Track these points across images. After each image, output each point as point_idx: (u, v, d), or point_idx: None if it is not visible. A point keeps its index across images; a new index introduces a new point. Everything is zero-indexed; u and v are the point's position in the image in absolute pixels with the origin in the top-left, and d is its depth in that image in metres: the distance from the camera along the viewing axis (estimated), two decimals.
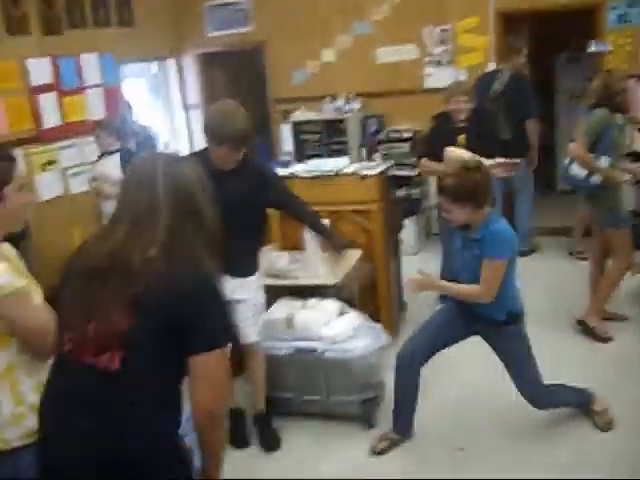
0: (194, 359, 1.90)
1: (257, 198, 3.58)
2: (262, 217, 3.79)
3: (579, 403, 3.77)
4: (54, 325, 2.10)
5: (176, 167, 2.01)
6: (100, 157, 5.76)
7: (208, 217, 2.00)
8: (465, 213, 3.26)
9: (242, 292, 3.59)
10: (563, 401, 3.74)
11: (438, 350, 3.60)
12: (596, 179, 4.47)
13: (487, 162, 3.77)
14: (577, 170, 4.53)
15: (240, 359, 3.76)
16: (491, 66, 6.76)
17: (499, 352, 3.53)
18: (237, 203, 3.27)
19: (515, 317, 3.43)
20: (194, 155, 3.74)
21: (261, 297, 3.82)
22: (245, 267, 3.65)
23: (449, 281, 3.59)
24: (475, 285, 3.30)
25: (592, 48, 6.55)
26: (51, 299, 2.34)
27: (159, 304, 1.86)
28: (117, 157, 5.50)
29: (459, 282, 3.45)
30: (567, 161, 4.67)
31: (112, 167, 5.42)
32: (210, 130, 3.44)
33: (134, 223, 1.93)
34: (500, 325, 3.42)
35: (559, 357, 4.48)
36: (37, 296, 2.21)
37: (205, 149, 3.57)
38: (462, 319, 3.49)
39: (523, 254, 6.44)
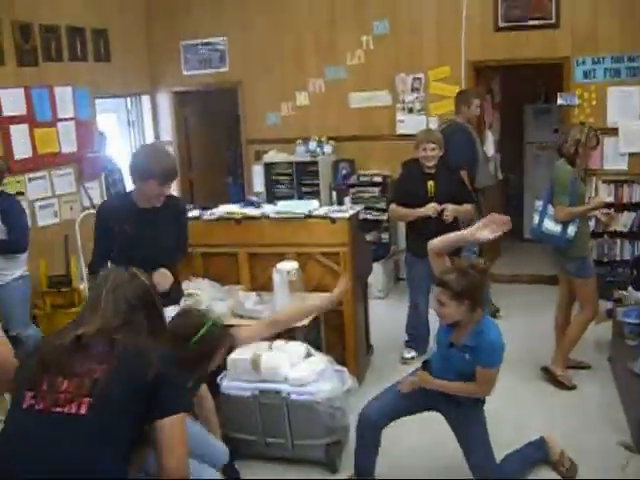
0: (159, 423, 2.10)
1: (174, 234, 3.78)
2: (179, 250, 3.91)
3: (536, 461, 3.77)
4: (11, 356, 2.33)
5: (131, 285, 2.38)
6: None
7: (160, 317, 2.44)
8: (461, 311, 3.24)
9: None
10: (520, 470, 3.69)
11: (400, 416, 3.59)
12: (571, 231, 4.48)
13: (476, 226, 3.32)
14: (552, 226, 4.55)
15: None
16: None
17: (458, 432, 3.52)
18: (156, 239, 3.62)
19: (480, 401, 3.49)
20: (123, 195, 4.25)
21: None
22: None
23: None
24: (471, 384, 3.32)
25: (560, 101, 6.74)
26: None
27: (129, 377, 2.11)
28: None
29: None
30: (536, 220, 4.68)
31: None
32: (138, 167, 3.58)
33: (105, 320, 2.24)
34: (464, 405, 3.44)
35: (523, 404, 4.50)
36: None
37: (131, 192, 3.77)
38: (430, 393, 3.46)
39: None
